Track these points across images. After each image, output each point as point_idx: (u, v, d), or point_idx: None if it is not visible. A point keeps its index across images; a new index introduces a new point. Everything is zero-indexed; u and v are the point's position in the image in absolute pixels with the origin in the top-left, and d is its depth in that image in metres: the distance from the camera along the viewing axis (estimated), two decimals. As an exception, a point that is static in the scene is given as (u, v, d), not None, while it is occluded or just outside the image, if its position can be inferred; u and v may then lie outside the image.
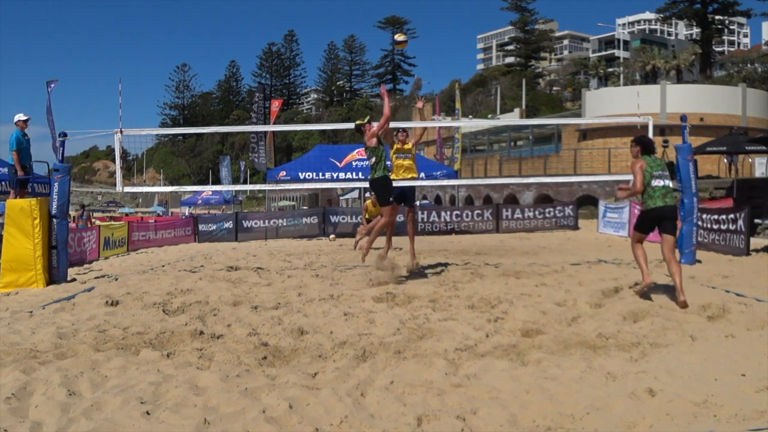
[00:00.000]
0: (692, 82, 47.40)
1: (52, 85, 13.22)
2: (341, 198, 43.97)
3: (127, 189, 11.37)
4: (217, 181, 59.17)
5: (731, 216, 11.42)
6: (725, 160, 25.03)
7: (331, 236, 19.56)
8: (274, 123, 28.83)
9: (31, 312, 6.60)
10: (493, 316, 5.97)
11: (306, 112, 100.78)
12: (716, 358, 4.36)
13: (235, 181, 47.40)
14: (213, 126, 70.04)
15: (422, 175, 20.20)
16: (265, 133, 24.68)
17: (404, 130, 9.43)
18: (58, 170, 9.38)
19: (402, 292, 7.35)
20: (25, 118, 11.41)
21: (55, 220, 9.12)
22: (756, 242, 12.28)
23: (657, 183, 6.53)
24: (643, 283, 6.53)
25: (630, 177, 6.83)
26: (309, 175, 20.77)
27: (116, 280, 9.28)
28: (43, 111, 13.51)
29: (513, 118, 49.07)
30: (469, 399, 3.69)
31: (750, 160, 25.68)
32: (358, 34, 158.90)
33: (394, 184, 8.68)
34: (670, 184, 6.64)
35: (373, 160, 8.18)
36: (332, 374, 4.21)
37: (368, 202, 14.49)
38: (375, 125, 8.24)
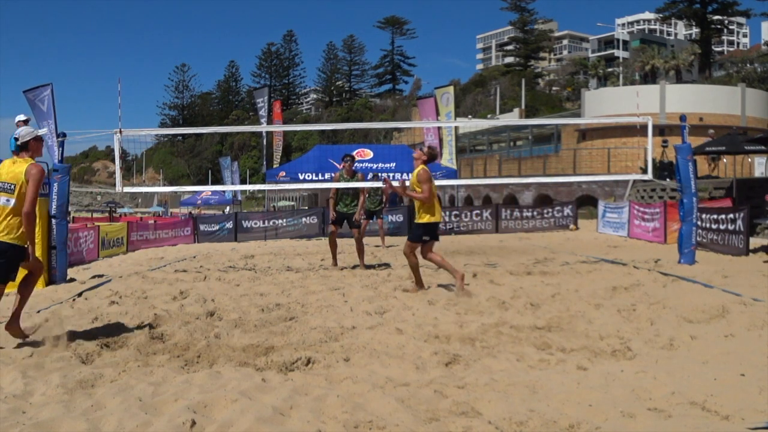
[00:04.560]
0: (691, 82, 47.44)
1: (46, 92, 13.10)
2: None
3: (127, 189, 11.38)
4: (216, 181, 59.15)
5: (730, 216, 11.42)
6: (724, 160, 25.02)
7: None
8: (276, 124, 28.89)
9: (35, 312, 6.58)
10: (501, 318, 5.98)
11: (305, 112, 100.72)
12: (716, 358, 4.36)
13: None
14: (212, 126, 70.04)
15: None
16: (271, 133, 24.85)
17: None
18: (57, 170, 9.39)
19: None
20: (24, 118, 11.41)
21: (54, 220, 9.12)
22: (755, 242, 12.29)
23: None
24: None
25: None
26: (308, 176, 20.81)
27: (115, 280, 9.27)
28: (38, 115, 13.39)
29: (512, 118, 49.09)
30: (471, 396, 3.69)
31: (749, 159, 25.67)
32: (358, 34, 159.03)
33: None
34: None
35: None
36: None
37: None
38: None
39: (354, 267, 10.24)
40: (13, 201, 4.86)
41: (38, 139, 5.18)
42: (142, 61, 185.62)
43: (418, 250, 7.38)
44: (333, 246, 10.44)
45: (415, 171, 7.31)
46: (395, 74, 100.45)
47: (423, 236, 7.28)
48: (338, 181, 10.41)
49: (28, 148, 5.08)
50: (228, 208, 40.27)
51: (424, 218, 7.26)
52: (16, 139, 5.09)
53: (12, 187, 4.89)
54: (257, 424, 3.23)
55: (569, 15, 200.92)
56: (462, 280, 7.17)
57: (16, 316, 5.02)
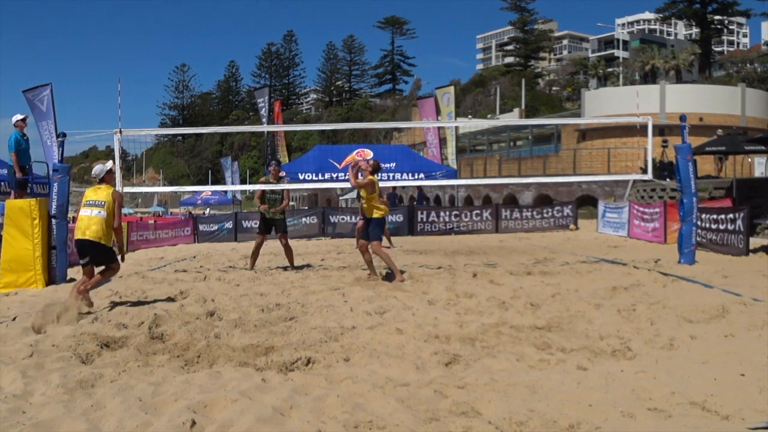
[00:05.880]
0: (691, 82, 47.39)
1: (45, 92, 13.10)
2: (340, 198, 44.00)
3: (127, 189, 11.37)
4: (216, 181, 59.17)
5: (730, 216, 11.42)
6: (724, 160, 25.04)
7: None
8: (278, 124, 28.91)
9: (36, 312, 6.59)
10: (502, 318, 5.98)
11: (305, 112, 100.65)
12: (716, 358, 4.36)
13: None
14: (212, 126, 70.03)
15: (422, 175, 20.46)
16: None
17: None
18: (57, 171, 9.38)
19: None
20: (21, 117, 11.37)
21: (54, 220, 9.12)
22: (755, 242, 12.28)
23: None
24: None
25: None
26: (308, 176, 20.79)
27: (115, 280, 9.26)
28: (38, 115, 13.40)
29: (512, 118, 49.06)
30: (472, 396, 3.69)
31: (749, 159, 25.67)
32: (358, 34, 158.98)
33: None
34: None
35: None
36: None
37: None
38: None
39: (285, 268, 10.30)
40: (104, 213, 6.68)
41: (110, 172, 6.97)
42: (142, 61, 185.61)
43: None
44: (256, 253, 10.81)
45: (365, 180, 8.61)
46: (395, 74, 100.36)
47: (383, 230, 8.97)
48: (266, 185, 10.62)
49: (105, 180, 6.87)
50: (208, 210, 40.33)
51: (377, 213, 8.67)
52: (94, 177, 6.91)
53: (103, 203, 6.72)
54: (257, 424, 3.23)
55: (569, 15, 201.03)
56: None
57: (87, 287, 6.77)
